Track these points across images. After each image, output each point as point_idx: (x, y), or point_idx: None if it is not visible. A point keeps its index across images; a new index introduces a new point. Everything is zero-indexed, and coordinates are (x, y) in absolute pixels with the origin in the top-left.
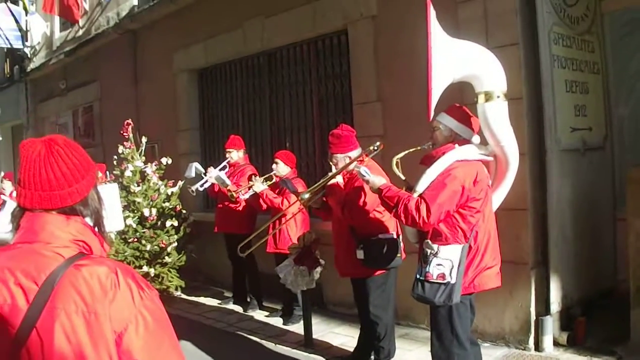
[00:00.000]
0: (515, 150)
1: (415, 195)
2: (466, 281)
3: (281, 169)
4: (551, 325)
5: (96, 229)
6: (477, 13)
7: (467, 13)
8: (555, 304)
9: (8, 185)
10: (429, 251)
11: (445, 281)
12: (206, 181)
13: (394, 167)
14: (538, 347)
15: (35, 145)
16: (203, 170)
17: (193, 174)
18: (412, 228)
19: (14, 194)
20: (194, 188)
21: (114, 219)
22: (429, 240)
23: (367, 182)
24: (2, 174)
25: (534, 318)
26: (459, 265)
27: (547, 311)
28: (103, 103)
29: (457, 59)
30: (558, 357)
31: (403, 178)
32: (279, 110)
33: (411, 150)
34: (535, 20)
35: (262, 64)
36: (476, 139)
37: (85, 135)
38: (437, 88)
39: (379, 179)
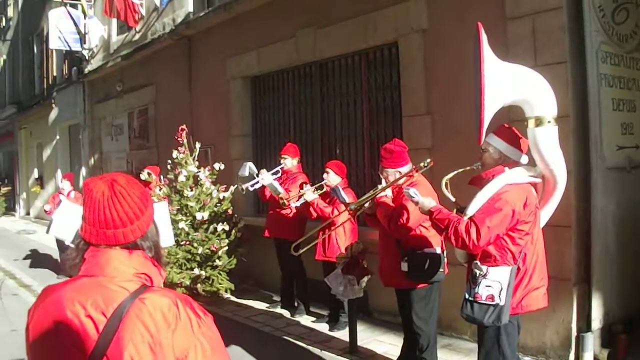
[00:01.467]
0: (564, 172)
1: (466, 218)
2: (514, 302)
3: (332, 178)
4: (592, 341)
5: (155, 259)
6: (526, 30)
7: (516, 30)
8: (596, 321)
9: (67, 185)
10: (478, 272)
11: (494, 303)
12: (257, 182)
13: (444, 189)
14: None
15: (99, 185)
16: (256, 171)
17: (246, 174)
18: (460, 250)
19: (72, 194)
20: (244, 186)
21: (164, 236)
22: (478, 262)
23: (417, 203)
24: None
25: (575, 334)
26: (507, 287)
27: (588, 327)
28: (158, 106)
29: (508, 83)
30: None
31: (453, 200)
32: (330, 120)
33: (460, 170)
34: (584, 38)
35: (314, 74)
36: (524, 159)
37: (140, 137)
38: (489, 112)
39: (428, 201)
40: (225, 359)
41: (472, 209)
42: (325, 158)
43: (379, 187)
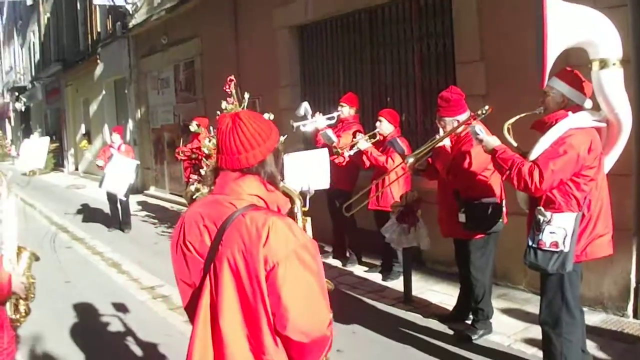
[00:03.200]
0: (629, 117)
1: (530, 161)
2: (578, 249)
3: (385, 127)
4: None
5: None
6: None
7: None
8: None
9: (117, 139)
10: (542, 219)
11: (558, 250)
12: (310, 123)
13: (505, 133)
14: (636, 314)
15: (225, 119)
16: (311, 112)
17: (302, 113)
18: (524, 194)
19: (122, 147)
20: (295, 124)
21: (322, 179)
22: (541, 208)
23: (481, 141)
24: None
25: (634, 285)
26: (572, 234)
27: None
28: (204, 58)
29: (572, 24)
30: None
31: (515, 145)
32: (380, 68)
33: (522, 115)
34: None
35: (363, 22)
36: (588, 103)
37: (186, 90)
38: (552, 54)
39: (493, 139)
40: (316, 281)
41: (535, 153)
42: (375, 107)
43: (437, 137)
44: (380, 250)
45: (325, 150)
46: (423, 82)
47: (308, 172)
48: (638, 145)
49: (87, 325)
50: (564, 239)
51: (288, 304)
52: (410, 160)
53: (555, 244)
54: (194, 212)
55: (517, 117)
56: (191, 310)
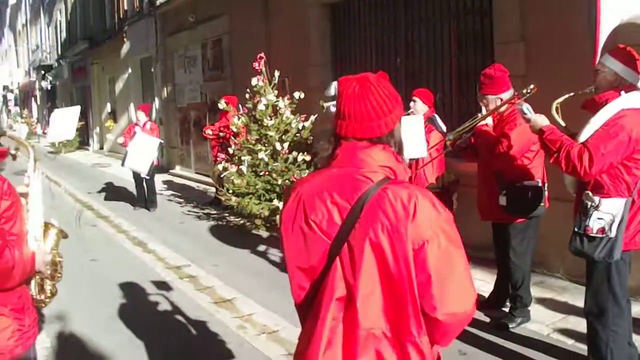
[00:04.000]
0: None
1: (579, 143)
2: (627, 237)
3: (419, 107)
4: None
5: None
6: None
7: None
8: None
9: (142, 117)
10: (589, 203)
11: (605, 236)
12: None
13: (554, 113)
14: None
15: (351, 82)
16: None
17: (332, 93)
18: (571, 177)
19: (148, 125)
20: (325, 104)
21: (418, 147)
22: (589, 192)
23: (529, 120)
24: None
25: None
26: (621, 220)
27: None
28: (232, 37)
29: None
30: None
31: (563, 125)
32: (414, 47)
33: (571, 94)
34: None
35: None
36: None
37: (214, 68)
38: (605, 30)
39: (542, 119)
40: (462, 254)
41: (585, 135)
42: (409, 86)
43: (479, 115)
44: None
45: (420, 116)
46: (459, 61)
47: (405, 140)
48: None
49: (113, 305)
50: (612, 224)
51: (439, 284)
52: (451, 137)
53: (602, 230)
54: (315, 186)
55: (567, 95)
56: (307, 299)
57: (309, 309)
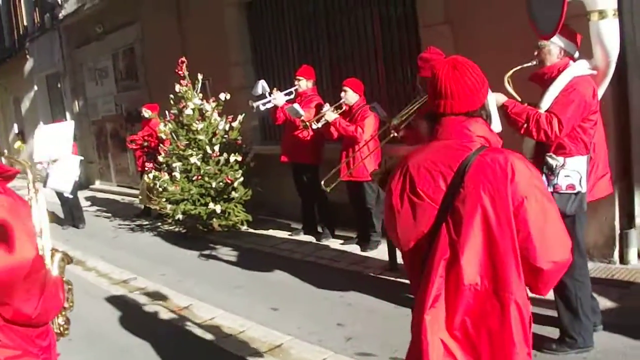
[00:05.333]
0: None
1: (542, 111)
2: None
3: (350, 96)
4: (635, 238)
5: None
6: None
7: None
8: (639, 218)
9: None
10: (555, 164)
11: (575, 191)
12: (269, 101)
13: (507, 86)
14: (623, 260)
15: (445, 65)
16: (268, 90)
17: (259, 91)
18: (531, 143)
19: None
20: (255, 104)
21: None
22: (552, 154)
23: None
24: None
25: (618, 231)
26: (585, 175)
27: (630, 224)
28: (145, 43)
29: None
30: None
31: (518, 98)
32: (337, 38)
33: (518, 68)
34: None
35: None
36: (577, 54)
37: (128, 78)
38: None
39: (500, 96)
40: (556, 209)
41: (546, 102)
42: (335, 78)
43: (418, 98)
44: (353, 222)
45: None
46: (385, 48)
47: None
48: (614, 94)
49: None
50: (580, 180)
51: (539, 236)
52: (396, 122)
53: (572, 186)
54: (420, 159)
55: (514, 69)
56: (419, 261)
57: (422, 270)
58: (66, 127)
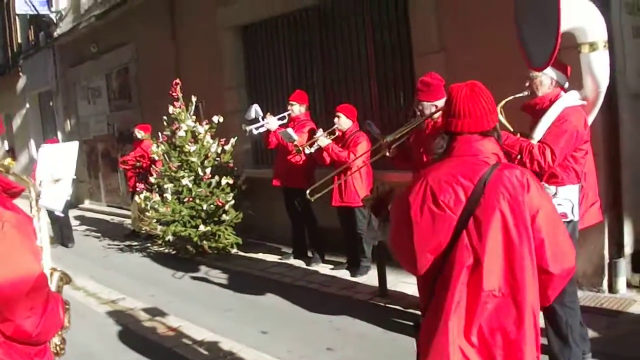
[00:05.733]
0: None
1: (534, 142)
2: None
3: (343, 122)
4: (624, 267)
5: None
6: None
7: None
8: (628, 247)
9: None
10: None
11: (568, 219)
12: (262, 125)
13: (500, 116)
14: (611, 289)
15: (462, 88)
16: (262, 114)
17: (252, 116)
18: None
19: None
20: (248, 128)
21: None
22: (544, 183)
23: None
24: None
25: (607, 260)
26: (577, 204)
27: (619, 254)
28: (139, 64)
29: (565, 11)
30: (633, 297)
31: (511, 128)
32: (332, 64)
33: (510, 98)
34: None
35: (312, 17)
36: (567, 84)
37: (121, 98)
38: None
39: None
40: (560, 219)
41: (538, 133)
42: (329, 103)
43: (414, 120)
44: (343, 247)
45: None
46: (378, 74)
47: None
48: (604, 124)
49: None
50: (572, 209)
51: (551, 245)
52: (389, 138)
53: (565, 215)
54: (440, 173)
55: (506, 100)
56: (434, 270)
57: (436, 278)
58: (70, 148)
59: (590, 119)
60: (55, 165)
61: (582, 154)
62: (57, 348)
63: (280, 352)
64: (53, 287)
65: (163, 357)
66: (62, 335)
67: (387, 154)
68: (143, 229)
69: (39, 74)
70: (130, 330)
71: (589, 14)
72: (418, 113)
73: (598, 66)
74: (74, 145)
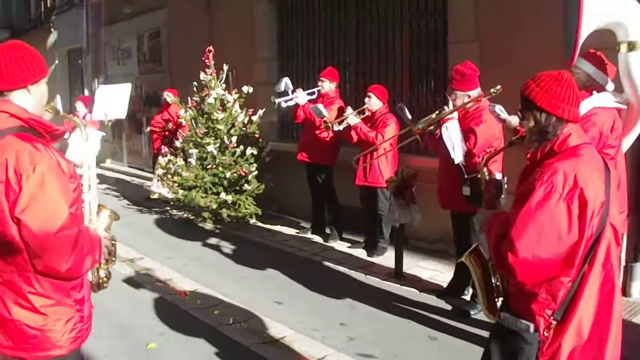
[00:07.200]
0: None
1: None
2: None
3: (374, 103)
4: None
5: None
6: None
7: None
8: None
9: (81, 108)
10: None
11: None
12: (291, 99)
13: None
14: (625, 292)
15: (562, 74)
16: (292, 88)
17: (282, 88)
18: None
19: (88, 116)
20: (277, 100)
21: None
22: None
23: (503, 121)
24: (57, 99)
25: (624, 264)
26: None
27: (635, 258)
28: (171, 29)
29: (603, 5)
30: None
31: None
32: (365, 45)
33: None
34: None
35: None
36: (610, 85)
37: (151, 61)
38: (584, 34)
39: (515, 119)
40: None
41: None
42: (359, 85)
43: (446, 108)
44: (361, 226)
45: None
46: (411, 61)
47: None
48: None
49: None
50: None
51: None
52: (420, 126)
53: None
54: (585, 169)
55: None
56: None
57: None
58: (124, 89)
59: (639, 126)
60: (110, 104)
61: (606, 158)
62: (101, 280)
63: (292, 323)
64: (101, 223)
65: (177, 318)
66: (108, 269)
67: (418, 138)
68: (156, 194)
69: (71, 31)
70: (146, 290)
71: (631, 11)
72: (450, 101)
73: (636, 67)
74: (127, 87)
